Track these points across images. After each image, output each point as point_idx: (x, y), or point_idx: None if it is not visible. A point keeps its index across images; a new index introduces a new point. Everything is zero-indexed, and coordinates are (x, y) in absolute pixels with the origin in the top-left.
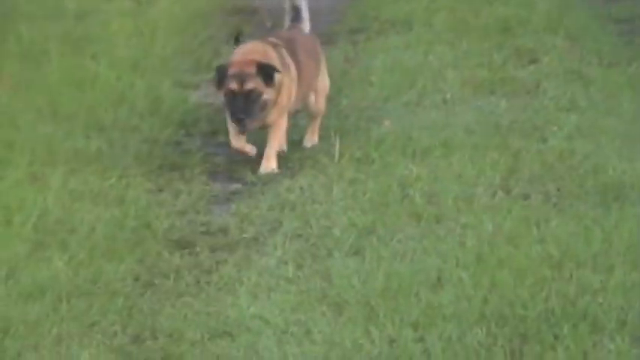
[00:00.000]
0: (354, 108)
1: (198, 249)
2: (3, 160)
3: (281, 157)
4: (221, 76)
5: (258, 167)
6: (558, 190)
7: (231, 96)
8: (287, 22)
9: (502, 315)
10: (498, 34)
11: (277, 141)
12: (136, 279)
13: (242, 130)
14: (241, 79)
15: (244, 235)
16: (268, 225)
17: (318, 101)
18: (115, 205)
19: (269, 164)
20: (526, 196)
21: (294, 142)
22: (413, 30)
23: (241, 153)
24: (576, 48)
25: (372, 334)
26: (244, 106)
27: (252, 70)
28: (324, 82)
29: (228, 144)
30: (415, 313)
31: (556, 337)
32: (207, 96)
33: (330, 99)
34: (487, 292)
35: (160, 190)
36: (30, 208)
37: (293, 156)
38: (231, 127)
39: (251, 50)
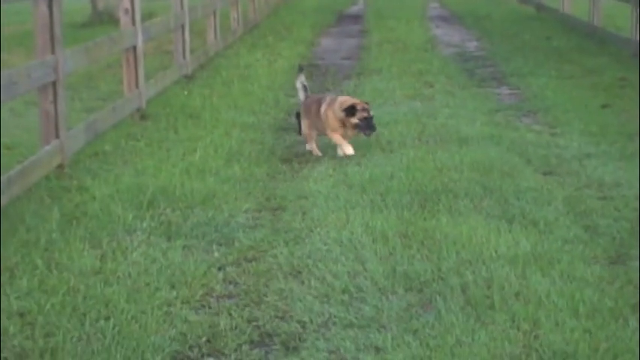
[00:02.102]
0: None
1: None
2: None
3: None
4: (353, 110)
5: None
6: None
7: (364, 119)
8: (302, 93)
9: None
10: (417, 75)
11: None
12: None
13: (372, 133)
14: (367, 110)
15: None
16: None
17: None
18: None
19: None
20: None
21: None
22: (382, 73)
23: (314, 151)
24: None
25: None
26: (373, 123)
27: (367, 106)
28: None
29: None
30: None
31: None
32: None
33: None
34: None
35: None
36: None
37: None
38: (308, 136)
39: (349, 98)
